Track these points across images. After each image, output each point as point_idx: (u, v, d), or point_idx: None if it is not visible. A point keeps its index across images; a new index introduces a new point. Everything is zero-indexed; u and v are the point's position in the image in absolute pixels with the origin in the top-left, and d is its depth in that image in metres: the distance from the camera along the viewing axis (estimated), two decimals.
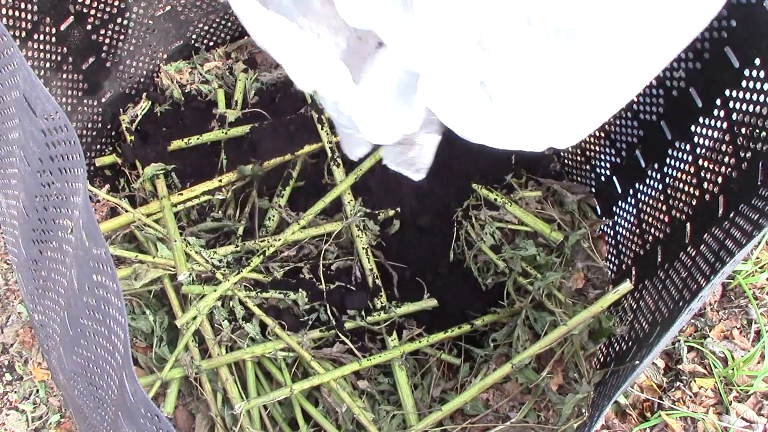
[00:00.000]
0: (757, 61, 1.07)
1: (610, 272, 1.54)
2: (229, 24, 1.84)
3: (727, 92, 1.15)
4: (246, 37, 1.89)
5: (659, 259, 1.34)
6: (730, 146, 1.15)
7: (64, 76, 1.50)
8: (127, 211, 1.46)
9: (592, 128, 0.81)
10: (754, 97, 1.09)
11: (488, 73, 0.81)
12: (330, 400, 1.37)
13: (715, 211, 1.17)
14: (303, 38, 0.82)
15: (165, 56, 1.77)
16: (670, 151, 1.32)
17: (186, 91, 1.78)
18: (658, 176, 1.37)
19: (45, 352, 1.41)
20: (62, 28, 1.45)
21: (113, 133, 1.71)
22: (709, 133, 1.21)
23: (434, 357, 1.46)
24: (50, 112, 0.77)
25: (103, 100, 1.65)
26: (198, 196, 1.55)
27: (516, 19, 0.78)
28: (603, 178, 1.57)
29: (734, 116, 1.14)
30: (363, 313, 1.47)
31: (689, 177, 1.27)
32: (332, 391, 1.36)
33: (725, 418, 1.50)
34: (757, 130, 1.09)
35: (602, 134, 1.54)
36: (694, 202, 1.25)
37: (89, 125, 1.63)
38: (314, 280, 1.51)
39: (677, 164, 1.31)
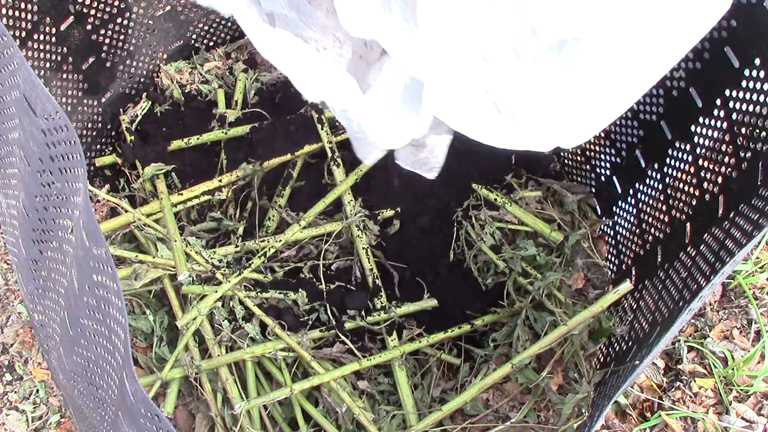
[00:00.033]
0: (757, 61, 1.07)
1: (610, 272, 1.54)
2: (229, 24, 1.84)
3: (727, 92, 1.15)
4: (246, 37, 1.88)
5: (659, 259, 1.34)
6: (730, 146, 1.15)
7: (64, 76, 1.50)
8: (127, 211, 1.46)
9: (597, 129, 0.82)
10: (754, 97, 1.09)
11: (491, 83, 0.82)
12: (330, 400, 1.37)
13: (715, 211, 1.17)
14: (309, 52, 0.83)
15: (165, 56, 1.77)
16: (670, 151, 1.32)
17: (186, 91, 1.78)
18: (658, 176, 1.37)
19: (45, 352, 1.41)
20: (62, 28, 1.45)
21: (113, 133, 1.71)
22: (709, 133, 1.21)
23: (434, 357, 1.46)
24: (50, 112, 0.77)
25: (103, 100, 1.65)
26: (198, 196, 1.55)
27: (520, 31, 0.79)
28: (603, 178, 1.57)
29: (734, 116, 1.14)
30: (363, 313, 1.47)
31: (689, 177, 1.27)
32: (332, 391, 1.36)
33: (725, 418, 1.50)
34: (757, 130, 1.09)
35: (602, 134, 1.54)
36: (694, 202, 1.25)
37: (89, 125, 1.63)
38: (314, 280, 1.51)
39: (677, 164, 1.31)
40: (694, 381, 1.54)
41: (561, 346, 1.38)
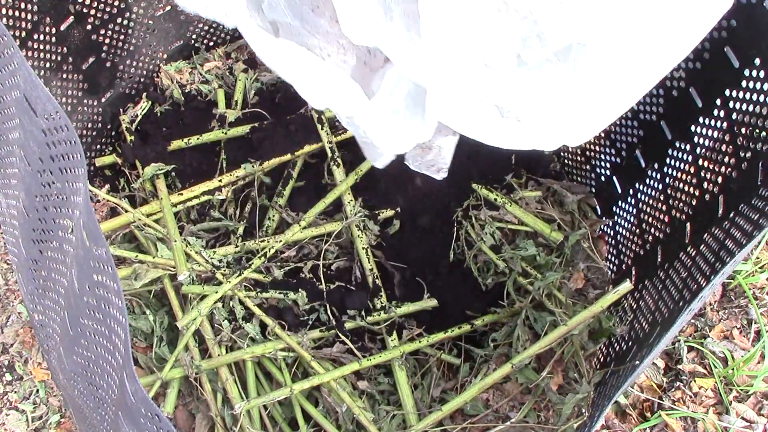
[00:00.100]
0: (757, 61, 1.07)
1: (610, 272, 1.54)
2: None
3: (727, 92, 1.15)
4: None
5: (659, 259, 1.34)
6: (730, 146, 1.15)
7: (64, 76, 1.50)
8: (127, 211, 1.46)
9: (601, 128, 0.83)
10: (754, 97, 1.09)
11: (494, 89, 0.82)
12: (330, 400, 1.37)
13: (715, 211, 1.17)
14: (313, 61, 0.83)
15: (165, 56, 1.77)
16: (670, 151, 1.32)
17: (186, 91, 1.78)
18: (658, 176, 1.37)
19: (45, 352, 1.41)
20: (62, 28, 1.45)
21: (113, 133, 1.71)
22: (709, 133, 1.21)
23: (434, 357, 1.46)
24: (50, 112, 0.77)
25: (103, 100, 1.65)
26: (198, 196, 1.55)
27: (525, 38, 0.79)
28: (603, 178, 1.57)
29: (734, 116, 1.14)
30: (363, 313, 1.47)
31: (689, 177, 1.27)
32: (332, 391, 1.36)
33: (725, 418, 1.50)
34: (757, 130, 1.09)
35: (602, 134, 1.54)
36: (694, 202, 1.25)
37: (89, 125, 1.63)
38: (314, 280, 1.51)
39: (677, 164, 1.31)
40: (694, 381, 1.54)
41: (561, 346, 1.38)
